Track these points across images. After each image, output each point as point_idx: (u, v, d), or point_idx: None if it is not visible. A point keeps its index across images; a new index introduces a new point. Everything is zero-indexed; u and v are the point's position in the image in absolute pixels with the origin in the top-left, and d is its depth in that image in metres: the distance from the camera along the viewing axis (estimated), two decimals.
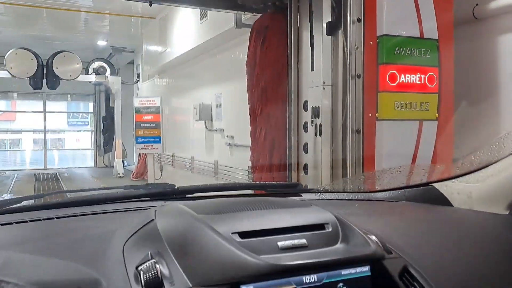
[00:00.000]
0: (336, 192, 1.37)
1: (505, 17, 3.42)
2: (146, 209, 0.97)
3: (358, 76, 3.23)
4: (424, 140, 3.06)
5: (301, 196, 1.30)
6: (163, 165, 10.64)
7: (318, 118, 3.59)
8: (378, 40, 3.11)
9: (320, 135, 3.54)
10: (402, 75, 3.13)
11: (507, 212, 1.07)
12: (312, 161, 3.62)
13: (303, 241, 0.73)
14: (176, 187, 1.21)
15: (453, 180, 1.22)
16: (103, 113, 14.14)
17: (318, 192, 1.36)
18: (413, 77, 3.15)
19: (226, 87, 7.38)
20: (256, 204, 0.85)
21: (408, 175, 1.58)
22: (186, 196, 1.15)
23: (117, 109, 11.92)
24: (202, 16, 7.22)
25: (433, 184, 1.25)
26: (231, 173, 7.02)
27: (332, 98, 3.52)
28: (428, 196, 1.24)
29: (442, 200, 1.21)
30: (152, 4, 9.20)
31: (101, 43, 12.25)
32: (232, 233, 0.71)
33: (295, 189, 1.37)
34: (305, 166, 3.75)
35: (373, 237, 0.79)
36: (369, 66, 3.17)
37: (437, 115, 3.17)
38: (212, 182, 7.66)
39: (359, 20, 3.24)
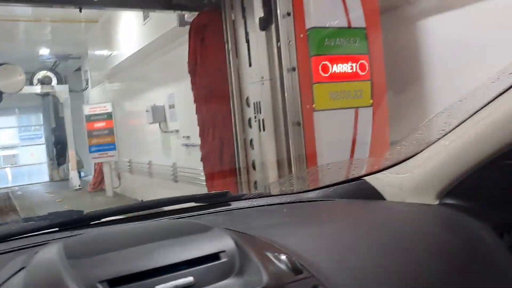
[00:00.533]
0: (267, 197, 1.29)
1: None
2: (45, 243, 0.85)
3: (293, 69, 3.28)
4: (361, 126, 3.16)
5: (230, 205, 1.22)
6: (121, 172, 10.32)
7: (260, 113, 3.61)
8: (308, 32, 3.17)
9: (264, 130, 3.56)
10: (334, 65, 3.19)
11: (437, 202, 1.02)
12: (259, 156, 3.64)
13: (189, 279, 0.62)
14: (83, 213, 1.08)
15: (383, 172, 1.16)
16: (53, 125, 13.56)
17: (249, 199, 1.27)
18: (344, 66, 3.21)
19: (178, 87, 7.20)
20: (149, 234, 0.75)
21: (339, 171, 1.52)
22: (92, 223, 1.03)
23: (67, 119, 11.45)
24: (145, 16, 7.01)
25: (364, 178, 1.19)
26: (190, 175, 6.87)
27: (272, 93, 3.54)
28: (360, 191, 1.18)
29: (374, 194, 1.15)
30: (85, 10, 8.91)
31: (45, 51, 11.70)
32: (100, 281, 0.60)
33: (225, 198, 1.28)
34: (254, 162, 3.76)
35: (283, 257, 0.70)
36: (302, 58, 3.23)
37: (371, 101, 3.24)
38: (172, 186, 7.49)
39: (288, 14, 3.28)
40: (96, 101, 11.09)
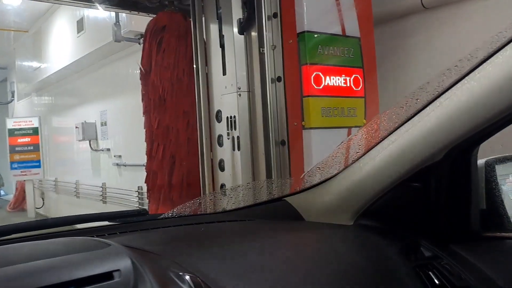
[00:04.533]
0: (186, 216, 1.24)
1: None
2: None
3: (279, 79, 2.86)
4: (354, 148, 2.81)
5: (146, 224, 1.15)
6: (45, 192, 9.69)
7: (235, 129, 3.09)
8: (298, 37, 2.76)
9: (239, 149, 3.04)
10: (328, 77, 2.79)
11: (352, 223, 1.03)
12: (230, 180, 3.11)
13: None
14: None
15: (303, 193, 1.16)
16: None
17: (167, 218, 1.21)
18: (338, 79, 2.83)
19: (111, 104, 6.96)
20: (42, 252, 0.68)
21: (262, 191, 1.52)
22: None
23: None
24: (79, 29, 6.75)
25: (285, 198, 1.18)
26: (121, 195, 6.59)
27: (250, 106, 3.06)
28: (280, 211, 1.17)
29: (294, 215, 1.15)
30: (25, 16, 8.38)
31: None
32: None
33: (141, 217, 1.21)
34: (222, 187, 3.25)
35: (187, 277, 0.66)
36: (290, 67, 2.81)
37: (364, 121, 2.90)
38: (100, 207, 7.13)
39: (275, 16, 2.86)
40: (22, 114, 10.41)
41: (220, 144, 3.24)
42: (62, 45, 7.53)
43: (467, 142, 0.85)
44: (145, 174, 4.60)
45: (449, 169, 0.89)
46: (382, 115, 1.06)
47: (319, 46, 2.79)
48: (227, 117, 3.16)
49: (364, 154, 0.97)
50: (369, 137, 1.07)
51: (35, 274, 0.60)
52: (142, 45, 3.94)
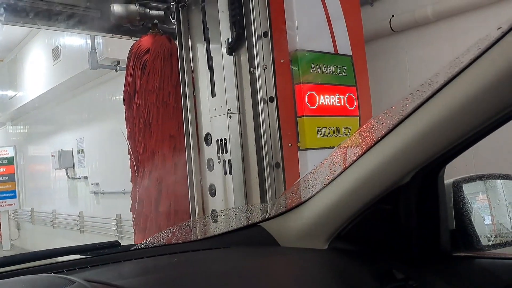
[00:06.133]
0: (160, 246, 1.22)
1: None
2: None
3: (271, 99, 2.80)
4: None
5: (118, 256, 1.13)
6: (20, 222, 9.42)
7: (226, 152, 3.00)
8: (290, 56, 2.74)
9: (231, 173, 2.95)
10: (322, 96, 2.76)
11: (326, 247, 1.03)
12: (222, 205, 3.00)
13: None
14: None
15: (278, 218, 1.16)
16: None
17: (140, 249, 1.19)
18: (332, 98, 2.80)
19: (88, 131, 6.89)
20: None
21: (236, 217, 1.51)
22: None
23: None
24: (55, 57, 6.72)
25: (260, 224, 1.18)
26: (99, 224, 6.45)
27: (241, 128, 2.97)
28: (256, 237, 1.16)
29: (269, 240, 1.15)
30: (0, 45, 8.25)
31: None
32: None
33: (113, 249, 1.19)
34: (212, 212, 3.15)
35: None
36: (283, 87, 2.75)
37: None
38: (77, 237, 6.96)
39: (265, 35, 2.82)
40: None
41: (210, 168, 3.13)
42: (38, 74, 7.47)
43: (433, 164, 0.87)
44: (123, 201, 4.44)
45: (417, 190, 0.91)
46: (349, 140, 1.08)
47: (312, 64, 2.76)
48: (217, 140, 3.05)
49: (335, 178, 0.98)
50: (339, 160, 1.08)
51: None
52: (126, 68, 3.79)
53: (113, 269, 1.02)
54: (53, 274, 0.85)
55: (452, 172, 0.99)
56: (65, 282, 0.71)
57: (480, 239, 0.98)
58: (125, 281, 0.83)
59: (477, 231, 0.99)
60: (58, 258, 1.17)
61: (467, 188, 1.03)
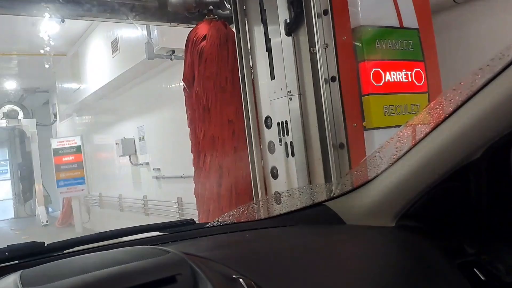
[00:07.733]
0: (230, 224, 1.29)
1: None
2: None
3: (333, 79, 2.69)
4: None
5: (193, 233, 1.21)
6: (90, 206, 10.06)
7: (287, 135, 2.96)
8: (353, 33, 2.63)
9: (293, 155, 2.92)
10: (388, 73, 2.63)
11: (393, 224, 1.04)
12: (284, 187, 2.97)
13: None
14: (45, 244, 1.06)
15: (343, 197, 1.19)
16: (20, 159, 13.18)
17: (213, 227, 1.27)
18: (399, 74, 2.67)
19: (148, 119, 7.19)
20: (105, 262, 0.75)
21: (301, 197, 1.55)
22: (54, 254, 1.01)
23: (34, 153, 11.16)
24: (114, 49, 7.03)
25: (325, 203, 1.21)
26: (162, 207, 6.77)
27: (302, 109, 2.91)
28: (321, 216, 1.20)
29: (335, 219, 1.18)
30: (62, 40, 8.73)
31: (11, 85, 11.48)
32: None
33: (188, 226, 1.27)
34: (276, 194, 3.21)
35: (241, 280, 0.71)
36: (346, 65, 2.65)
37: None
38: (143, 219, 7.34)
39: (325, 13, 2.70)
40: (65, 134, 10.89)
41: (271, 151, 3.13)
42: (99, 66, 7.85)
43: (505, 139, 0.86)
44: (183, 185, 4.59)
45: (488, 167, 0.90)
46: (415, 118, 1.08)
47: (376, 40, 2.65)
48: (278, 123, 3.04)
49: (402, 156, 0.99)
50: (405, 139, 1.08)
51: (110, 280, 0.67)
52: (183, 56, 3.85)
53: (192, 244, 1.10)
54: (149, 246, 0.94)
55: None
56: (161, 252, 0.79)
57: None
58: (206, 254, 0.90)
59: None
60: (141, 234, 1.28)
61: None
